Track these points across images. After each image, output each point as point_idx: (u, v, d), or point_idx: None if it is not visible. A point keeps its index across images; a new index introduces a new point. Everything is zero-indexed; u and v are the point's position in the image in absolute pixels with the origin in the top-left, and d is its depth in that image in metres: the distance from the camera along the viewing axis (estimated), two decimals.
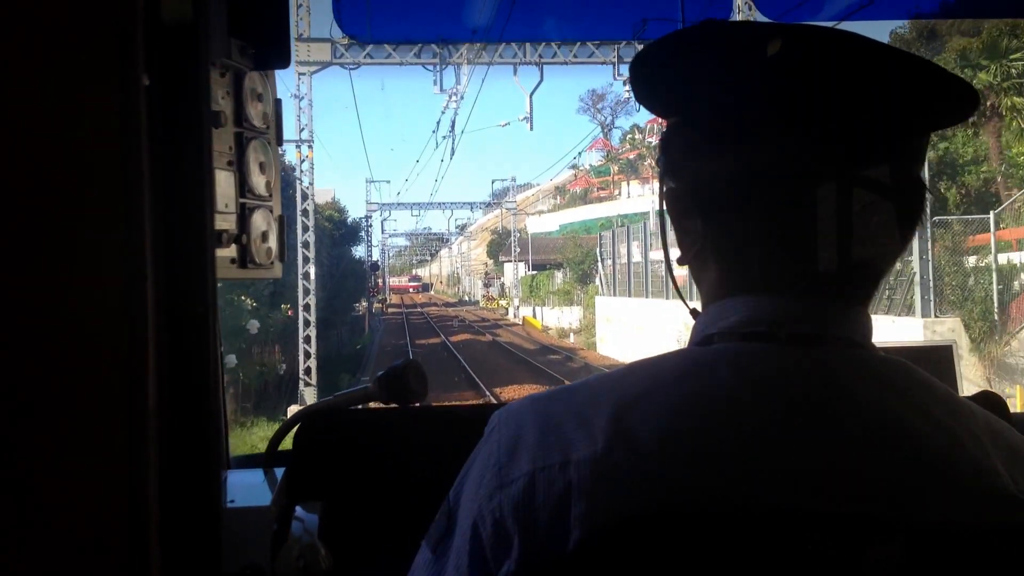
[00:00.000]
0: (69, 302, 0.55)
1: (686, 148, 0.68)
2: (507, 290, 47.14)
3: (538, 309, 33.96)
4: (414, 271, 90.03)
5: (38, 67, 0.54)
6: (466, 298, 62.44)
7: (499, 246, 56.81)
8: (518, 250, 40.54)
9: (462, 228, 69.00)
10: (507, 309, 41.75)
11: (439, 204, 43.92)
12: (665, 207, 0.72)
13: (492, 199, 45.31)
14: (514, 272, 39.75)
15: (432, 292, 78.57)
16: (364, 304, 33.49)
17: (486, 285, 52.20)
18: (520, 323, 34.10)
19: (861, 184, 0.64)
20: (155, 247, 0.55)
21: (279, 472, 1.08)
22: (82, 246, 0.55)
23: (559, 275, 32.66)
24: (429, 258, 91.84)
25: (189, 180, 0.59)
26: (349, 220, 27.33)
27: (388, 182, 51.12)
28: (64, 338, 0.55)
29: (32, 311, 0.54)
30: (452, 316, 40.67)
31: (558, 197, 56.34)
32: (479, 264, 63.11)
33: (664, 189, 0.71)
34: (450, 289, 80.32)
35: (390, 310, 46.42)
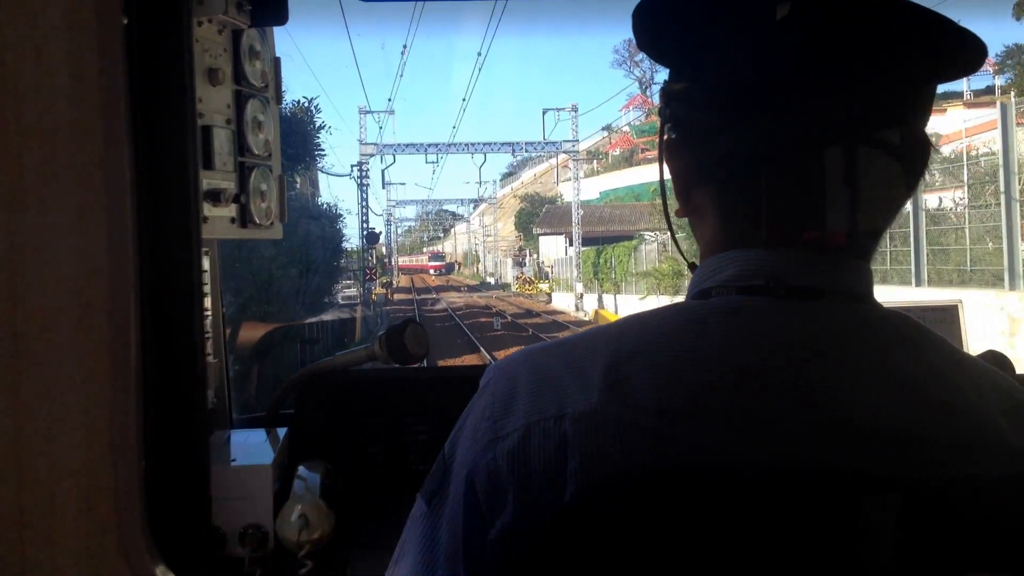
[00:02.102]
0: (48, 255, 0.65)
1: (690, 103, 0.78)
2: (543, 269, 43.66)
3: (607, 298, 29.58)
4: (434, 248, 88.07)
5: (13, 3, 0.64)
6: (490, 280, 61.68)
7: (530, 216, 55.46)
8: (580, 212, 35.00)
9: (476, 203, 67.94)
10: (550, 295, 38.49)
11: (466, 145, 35.37)
12: (664, 158, 0.82)
13: (542, 142, 34.96)
14: (576, 245, 34.27)
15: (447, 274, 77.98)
16: (358, 290, 28.71)
17: (518, 264, 49.60)
18: (590, 320, 28.49)
19: (866, 143, 0.73)
20: (138, 196, 0.66)
21: (281, 432, 1.31)
22: (61, 196, 0.64)
23: (648, 248, 27.35)
24: (442, 235, 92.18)
25: (172, 126, 0.69)
26: (287, 107, 15.51)
27: (391, 113, 40.28)
28: (44, 292, 0.65)
29: (10, 267, 0.64)
30: (483, 307, 34.95)
31: (594, 162, 55.52)
32: (504, 240, 62.65)
33: (664, 139, 0.82)
34: (467, 269, 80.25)
35: (397, 296, 42.23)
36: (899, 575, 0.64)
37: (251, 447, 1.27)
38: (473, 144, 35.58)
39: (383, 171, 39.53)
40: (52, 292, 0.65)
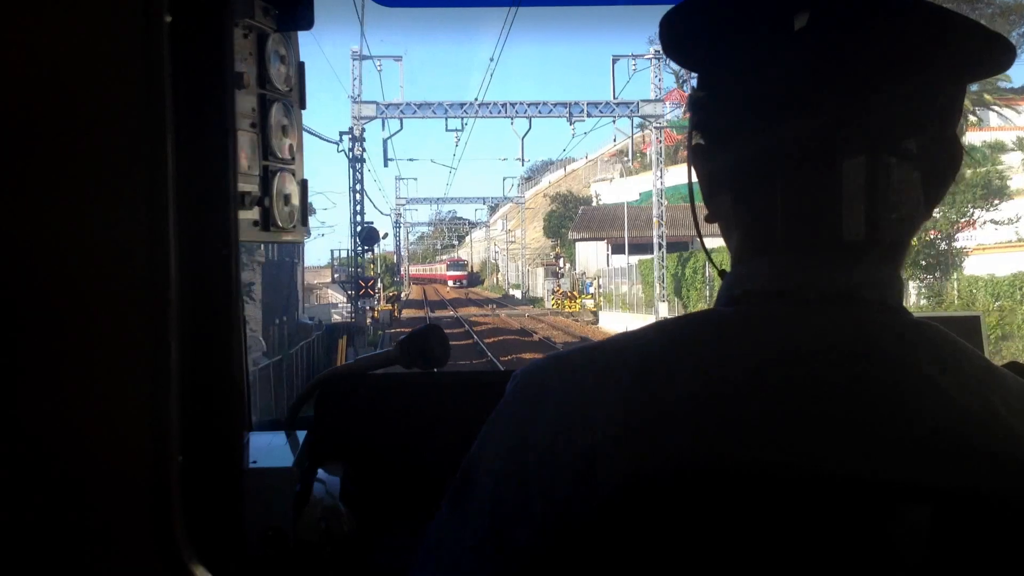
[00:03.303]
0: (90, 258, 0.71)
1: (717, 111, 0.87)
2: (583, 280, 40.94)
3: None
4: (453, 256, 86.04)
5: (62, 4, 0.71)
6: (514, 293, 60.81)
7: (562, 219, 52.77)
8: (663, 204, 28.97)
9: (495, 206, 66.63)
10: (596, 314, 36.33)
11: (503, 106, 27.16)
12: (692, 162, 0.91)
13: (612, 103, 27.66)
14: (658, 248, 29.07)
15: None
16: (346, 312, 26.02)
17: (554, 275, 46.75)
18: None
19: (893, 147, 0.80)
20: (178, 194, 0.73)
21: (301, 435, 1.47)
22: (103, 193, 0.71)
23: None
24: (457, 242, 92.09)
25: (211, 129, 0.77)
26: None
27: (399, 59, 30.91)
28: (84, 294, 0.71)
29: (53, 264, 0.71)
30: (516, 330, 31.07)
31: (633, 161, 55.00)
32: (529, 247, 62.08)
33: (692, 143, 0.91)
34: (485, 280, 79.62)
35: (405, 313, 38.54)
36: None
37: (271, 450, 1.41)
38: (513, 104, 27.34)
39: (386, 141, 30.37)
40: (92, 289, 0.72)
